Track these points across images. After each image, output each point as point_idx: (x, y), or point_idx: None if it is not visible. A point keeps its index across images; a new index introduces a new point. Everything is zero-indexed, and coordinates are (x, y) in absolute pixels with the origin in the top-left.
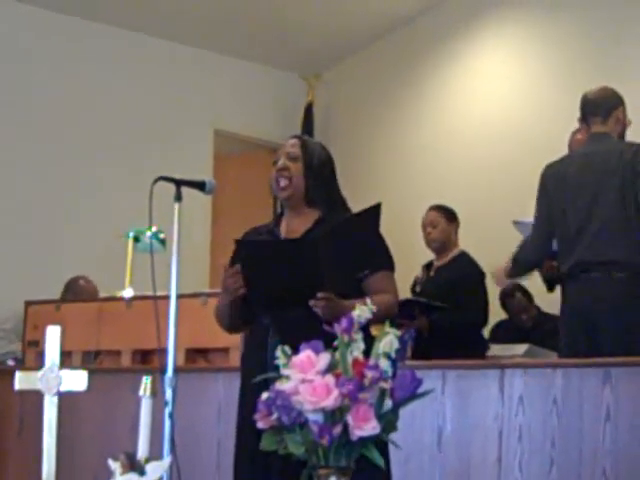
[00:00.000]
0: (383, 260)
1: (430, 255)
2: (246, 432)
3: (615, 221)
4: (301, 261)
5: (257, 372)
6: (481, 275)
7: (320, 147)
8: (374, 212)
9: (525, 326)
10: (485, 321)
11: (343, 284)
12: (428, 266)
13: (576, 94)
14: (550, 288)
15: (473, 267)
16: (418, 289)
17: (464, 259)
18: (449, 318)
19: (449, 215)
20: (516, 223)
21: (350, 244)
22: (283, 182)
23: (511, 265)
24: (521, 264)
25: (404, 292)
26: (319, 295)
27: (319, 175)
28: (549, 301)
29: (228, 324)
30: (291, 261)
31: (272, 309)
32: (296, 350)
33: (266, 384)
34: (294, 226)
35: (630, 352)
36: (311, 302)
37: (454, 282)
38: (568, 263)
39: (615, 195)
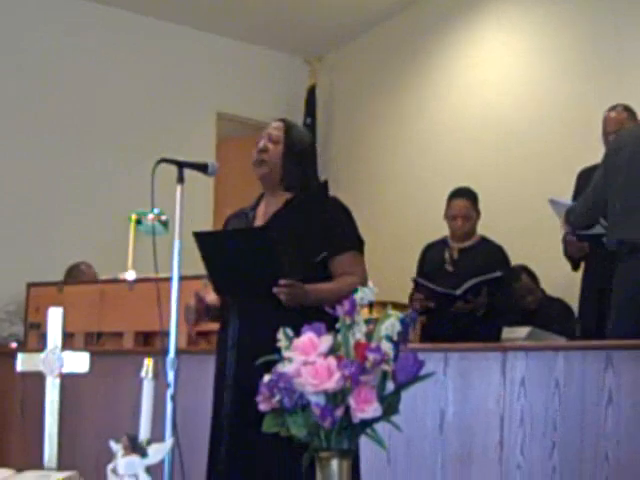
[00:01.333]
0: (346, 241)
1: (436, 235)
2: (214, 412)
3: None
4: (257, 249)
5: (220, 352)
6: (508, 259)
7: (304, 132)
8: (322, 190)
9: (529, 308)
10: None
11: (304, 269)
12: (436, 246)
13: (585, 73)
14: (575, 267)
15: (501, 250)
16: (451, 269)
17: (490, 243)
18: (502, 300)
19: (476, 203)
20: (552, 202)
21: (307, 229)
22: (260, 162)
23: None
24: (572, 223)
25: (410, 273)
26: (280, 282)
27: (298, 161)
28: (554, 285)
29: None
30: (248, 250)
31: (237, 296)
32: (256, 334)
33: (224, 365)
34: (268, 207)
35: None
36: (274, 289)
37: (489, 264)
38: (619, 238)
39: None
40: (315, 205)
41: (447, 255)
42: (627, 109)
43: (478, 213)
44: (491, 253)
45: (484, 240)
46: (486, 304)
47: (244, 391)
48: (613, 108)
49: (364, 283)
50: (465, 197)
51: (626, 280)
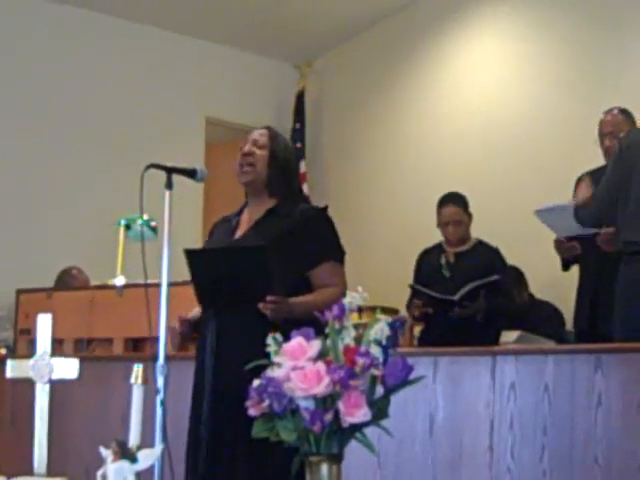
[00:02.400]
0: (325, 252)
1: (426, 241)
2: (192, 418)
3: None
4: (251, 267)
5: (198, 356)
6: (505, 261)
7: (287, 142)
8: (321, 215)
9: (517, 311)
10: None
11: (291, 284)
12: (432, 251)
13: (578, 76)
14: (566, 268)
15: (498, 253)
16: (447, 274)
17: (485, 247)
18: (502, 303)
19: (466, 206)
20: (539, 213)
21: (295, 246)
22: (246, 167)
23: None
24: (581, 221)
25: (400, 277)
26: (268, 298)
27: (282, 167)
28: (542, 288)
29: None
30: (241, 267)
31: (220, 309)
32: (234, 340)
33: (203, 371)
34: (252, 215)
35: None
36: (260, 305)
37: (485, 268)
38: (632, 238)
39: None
40: (296, 214)
41: (443, 260)
42: (623, 112)
43: (470, 216)
44: (487, 256)
45: (480, 243)
46: (485, 308)
47: (223, 397)
48: (609, 111)
49: (344, 294)
50: (454, 203)
51: (633, 281)
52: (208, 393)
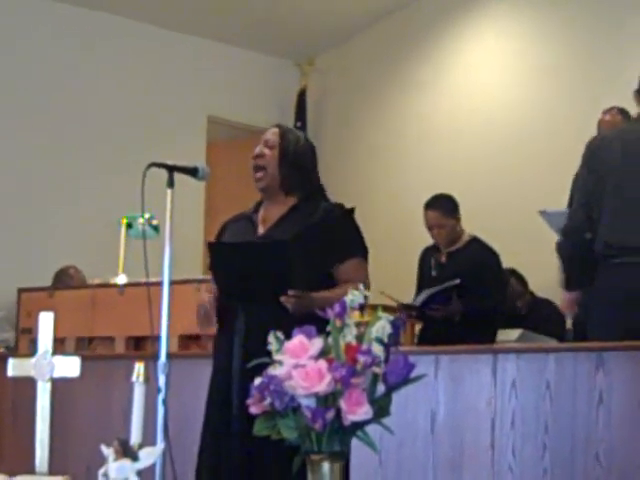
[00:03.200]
0: (351, 248)
1: (427, 240)
2: (212, 415)
3: None
4: (271, 262)
5: (224, 357)
6: (498, 257)
7: (300, 137)
8: (346, 213)
9: (519, 312)
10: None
11: (313, 279)
12: (430, 250)
13: (579, 76)
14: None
15: (489, 251)
16: (435, 274)
17: (478, 244)
18: (482, 303)
19: (449, 210)
20: (543, 213)
21: (320, 242)
22: (258, 174)
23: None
24: (570, 230)
25: (401, 275)
26: (290, 293)
27: (294, 163)
28: (543, 286)
29: None
30: (261, 262)
31: (244, 302)
32: (264, 339)
33: (230, 372)
34: (270, 213)
35: None
36: (282, 299)
37: (474, 267)
38: (607, 242)
39: None
40: (320, 211)
41: (433, 260)
42: (622, 112)
43: (456, 218)
44: (478, 255)
45: (474, 241)
46: (459, 309)
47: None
48: (608, 111)
49: (368, 290)
50: (432, 208)
51: (610, 287)
52: (237, 389)
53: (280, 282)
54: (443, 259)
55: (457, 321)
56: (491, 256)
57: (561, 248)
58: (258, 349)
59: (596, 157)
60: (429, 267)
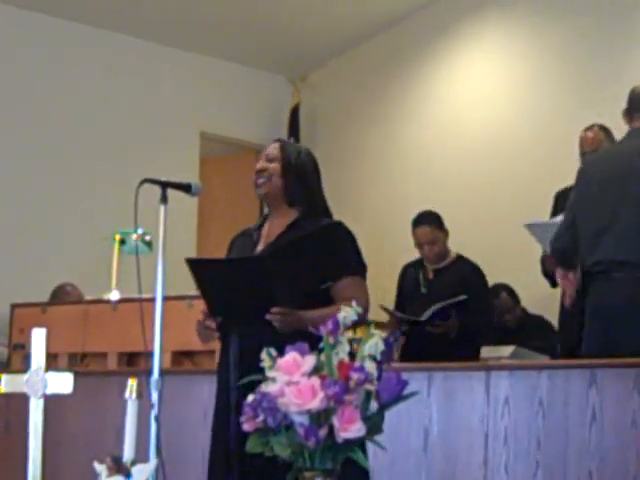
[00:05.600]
0: (348, 266)
1: (410, 255)
2: (217, 434)
3: None
4: (252, 278)
5: (221, 375)
6: (484, 275)
7: (301, 150)
8: (326, 212)
9: (508, 326)
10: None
11: (303, 296)
12: (412, 267)
13: (563, 93)
14: (554, 284)
15: (476, 269)
16: (425, 291)
17: (465, 262)
18: (477, 320)
19: (440, 225)
20: (529, 226)
21: (313, 259)
22: (260, 180)
23: (552, 257)
24: (558, 253)
25: (394, 292)
26: (273, 310)
27: (297, 175)
28: (535, 302)
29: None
30: (243, 278)
31: (234, 320)
32: (257, 357)
33: (228, 389)
34: (273, 228)
35: None
36: (267, 316)
37: (462, 284)
38: (590, 260)
39: None
40: (318, 229)
41: (421, 277)
42: (603, 128)
43: (445, 232)
44: (466, 272)
45: (460, 259)
46: (457, 326)
47: None
48: (589, 128)
49: (366, 309)
50: (424, 223)
51: (600, 298)
52: (233, 409)
53: (262, 299)
54: (430, 276)
55: (452, 337)
56: (478, 274)
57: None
58: (251, 367)
59: (581, 178)
60: (414, 284)
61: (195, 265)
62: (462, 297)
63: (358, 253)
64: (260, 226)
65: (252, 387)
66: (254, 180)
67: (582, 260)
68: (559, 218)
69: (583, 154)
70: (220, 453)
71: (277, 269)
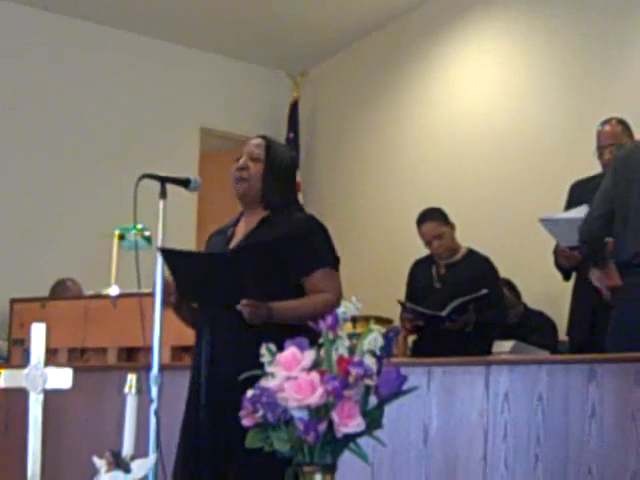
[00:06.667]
0: (317, 259)
1: (420, 251)
2: (187, 425)
3: None
4: (221, 273)
5: (193, 364)
6: (496, 269)
7: (285, 150)
8: (297, 208)
9: (510, 322)
10: None
11: (275, 289)
12: (423, 263)
13: (562, 91)
14: (566, 277)
15: (487, 263)
16: (438, 286)
17: (476, 256)
18: (493, 314)
19: (445, 219)
20: (544, 221)
21: (285, 253)
22: (240, 178)
23: (581, 245)
24: (588, 239)
25: (392, 287)
26: (243, 302)
27: (278, 180)
28: (536, 297)
29: (190, 325)
30: (212, 272)
31: (203, 304)
32: (229, 345)
33: (199, 379)
34: (245, 225)
35: None
36: (237, 307)
37: (475, 278)
38: (629, 252)
39: None
40: (288, 223)
41: (434, 271)
42: (621, 122)
43: (452, 226)
44: (478, 266)
45: (471, 253)
46: (474, 320)
47: (217, 408)
48: (607, 122)
49: (339, 300)
50: (429, 220)
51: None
52: (203, 404)
53: (231, 292)
54: (442, 271)
55: (467, 332)
56: (490, 268)
57: (581, 253)
58: (223, 369)
59: (622, 168)
60: (426, 279)
61: (168, 255)
62: (484, 291)
63: (330, 245)
64: (235, 223)
65: (226, 381)
66: (233, 174)
67: (623, 252)
68: (575, 214)
69: (601, 148)
70: (190, 448)
71: (244, 265)
